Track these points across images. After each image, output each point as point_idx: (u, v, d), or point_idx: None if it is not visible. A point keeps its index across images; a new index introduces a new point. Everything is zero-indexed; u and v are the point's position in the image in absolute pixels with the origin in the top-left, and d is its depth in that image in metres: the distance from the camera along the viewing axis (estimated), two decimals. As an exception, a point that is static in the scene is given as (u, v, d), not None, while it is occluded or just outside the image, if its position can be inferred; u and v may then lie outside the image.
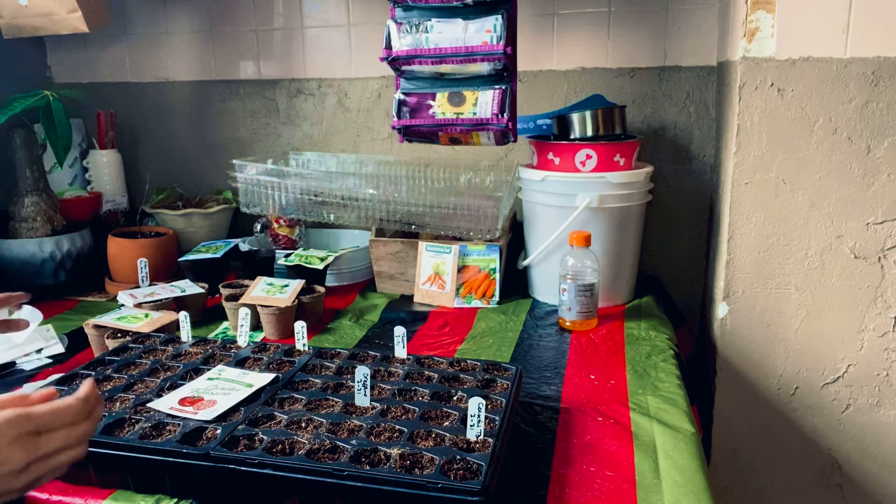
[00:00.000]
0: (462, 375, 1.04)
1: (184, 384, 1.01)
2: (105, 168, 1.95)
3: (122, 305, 1.40)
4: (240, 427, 0.88)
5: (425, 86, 1.44)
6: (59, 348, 1.30)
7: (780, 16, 1.29)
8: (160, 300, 1.40)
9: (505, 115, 1.38)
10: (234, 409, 0.93)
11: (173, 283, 1.51)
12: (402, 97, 1.44)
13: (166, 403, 0.94)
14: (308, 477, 0.79)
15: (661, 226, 1.74)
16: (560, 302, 1.40)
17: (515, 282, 1.63)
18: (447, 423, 0.90)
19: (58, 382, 1.03)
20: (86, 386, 0.70)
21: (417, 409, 0.92)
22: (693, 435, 1.00)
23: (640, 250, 1.58)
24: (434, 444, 0.84)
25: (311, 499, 0.80)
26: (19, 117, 1.58)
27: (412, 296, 1.60)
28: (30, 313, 1.28)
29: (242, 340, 1.17)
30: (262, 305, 1.35)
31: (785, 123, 1.34)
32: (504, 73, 1.39)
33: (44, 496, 0.85)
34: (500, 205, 1.53)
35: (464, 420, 0.88)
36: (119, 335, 1.25)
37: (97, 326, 1.27)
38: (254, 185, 1.70)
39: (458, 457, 0.80)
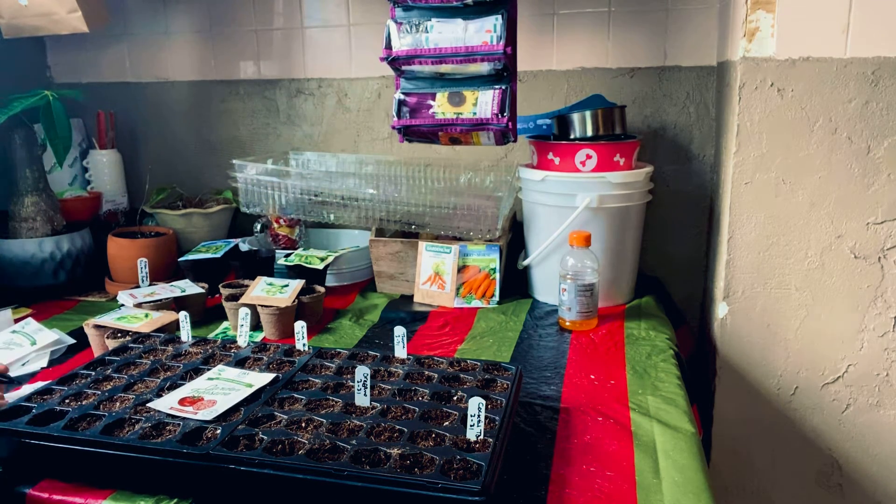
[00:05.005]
0: (462, 375, 1.04)
1: (184, 384, 1.01)
2: (105, 168, 1.95)
3: (122, 305, 1.40)
4: (240, 427, 0.88)
5: (425, 86, 1.44)
6: (48, 340, 1.30)
7: (780, 16, 1.29)
8: (160, 300, 1.40)
9: (505, 115, 1.38)
10: (234, 409, 0.93)
11: (173, 283, 1.51)
12: (402, 97, 1.44)
13: (166, 403, 0.94)
14: (308, 477, 0.79)
15: (661, 226, 1.74)
16: (560, 302, 1.40)
17: (515, 282, 1.63)
18: (447, 423, 0.90)
19: (58, 382, 1.03)
20: None
21: (417, 409, 0.92)
22: (693, 435, 1.00)
23: (640, 250, 1.58)
24: (434, 444, 0.84)
25: (311, 499, 0.80)
26: (19, 117, 1.58)
27: (412, 296, 1.60)
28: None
29: (242, 340, 1.17)
30: (262, 305, 1.35)
31: (785, 123, 1.34)
32: (504, 73, 1.39)
33: (44, 496, 0.85)
34: (500, 205, 1.53)
35: (464, 420, 0.88)
36: (119, 335, 1.25)
37: (97, 326, 1.27)
38: (254, 185, 1.70)
39: (458, 457, 0.80)
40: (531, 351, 1.30)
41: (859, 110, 1.30)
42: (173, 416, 0.91)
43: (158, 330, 1.26)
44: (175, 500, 0.83)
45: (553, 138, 1.55)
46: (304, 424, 0.90)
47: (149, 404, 0.94)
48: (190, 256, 1.60)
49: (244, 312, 1.19)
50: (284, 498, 0.81)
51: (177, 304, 1.44)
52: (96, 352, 1.28)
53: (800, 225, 1.37)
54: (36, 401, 0.97)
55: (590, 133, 1.50)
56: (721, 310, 1.45)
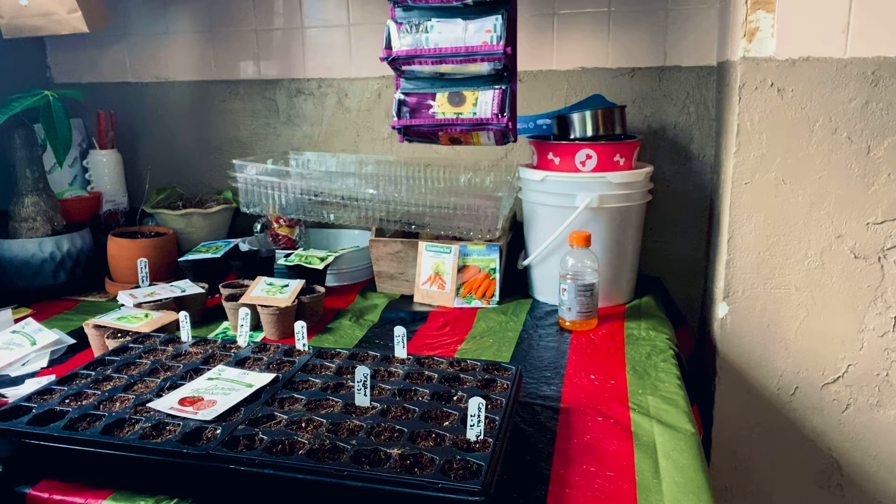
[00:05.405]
0: (462, 375, 1.04)
1: (184, 384, 1.01)
2: (105, 168, 1.95)
3: (122, 305, 1.40)
4: (240, 427, 0.88)
5: (425, 86, 1.44)
6: (48, 340, 1.30)
7: (779, 16, 1.29)
8: (160, 300, 1.40)
9: (505, 115, 1.38)
10: (234, 409, 0.93)
11: (173, 283, 1.51)
12: (402, 97, 1.44)
13: (166, 403, 0.94)
14: (308, 477, 0.79)
15: (661, 226, 1.74)
16: (560, 302, 1.40)
17: (515, 282, 1.63)
18: (447, 423, 0.90)
19: (58, 382, 1.03)
20: None
21: (417, 409, 0.92)
22: (693, 435, 1.00)
23: (640, 250, 1.58)
24: (434, 444, 0.84)
25: (311, 499, 0.80)
26: (19, 117, 1.59)
27: (412, 296, 1.60)
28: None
29: (242, 340, 1.17)
30: (262, 305, 1.35)
31: (785, 123, 1.34)
32: (504, 73, 1.39)
33: (44, 496, 0.85)
34: (500, 205, 1.53)
35: (464, 420, 0.88)
36: (119, 335, 1.25)
37: (97, 326, 1.27)
38: (254, 185, 1.70)
39: (458, 457, 0.80)
40: (531, 351, 1.30)
41: (859, 110, 1.30)
42: (173, 416, 0.91)
43: (158, 330, 1.26)
44: (175, 500, 0.83)
45: (553, 138, 1.55)
46: (304, 424, 0.90)
47: (149, 404, 0.94)
48: (190, 256, 1.60)
49: (244, 312, 1.19)
50: (284, 498, 0.81)
51: (177, 304, 1.44)
52: (96, 352, 1.28)
53: (800, 225, 1.37)
54: (36, 401, 0.97)
55: (590, 133, 1.50)
56: (721, 310, 1.45)
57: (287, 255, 1.56)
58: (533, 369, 1.22)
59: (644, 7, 1.66)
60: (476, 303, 1.54)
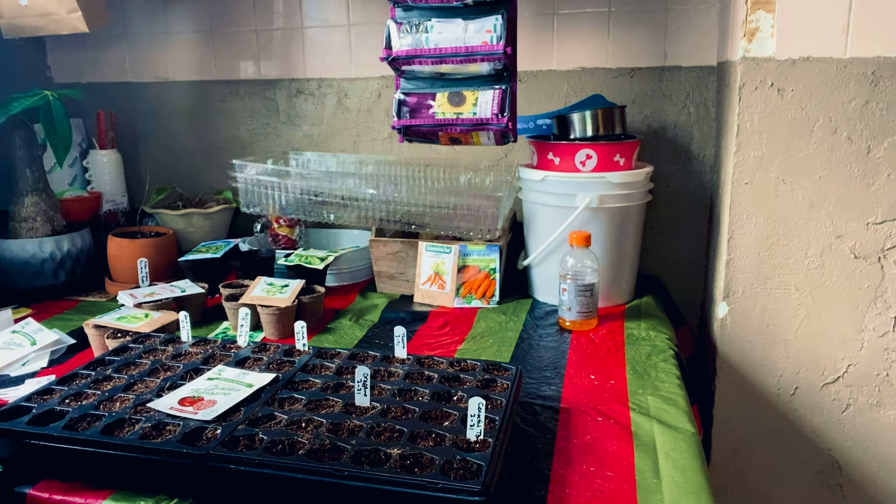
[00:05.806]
0: (462, 375, 1.04)
1: (184, 384, 1.01)
2: (105, 168, 1.95)
3: (122, 305, 1.40)
4: (240, 427, 0.88)
5: (425, 86, 1.44)
6: (48, 340, 1.30)
7: (779, 16, 1.30)
8: (160, 300, 1.40)
9: (505, 115, 1.38)
10: (234, 409, 0.93)
11: (173, 283, 1.51)
12: (402, 97, 1.44)
13: (166, 403, 0.94)
14: (308, 477, 0.79)
15: (661, 226, 1.74)
16: (560, 302, 1.40)
17: (515, 282, 1.63)
18: (447, 423, 0.90)
19: (58, 382, 1.03)
20: None
21: (417, 409, 0.92)
22: (693, 435, 1.00)
23: (640, 250, 1.58)
24: (434, 444, 0.84)
25: (311, 499, 0.80)
26: (19, 117, 1.59)
27: (412, 296, 1.60)
28: None
29: (242, 340, 1.17)
30: (262, 305, 1.35)
31: (785, 123, 1.34)
32: (504, 73, 1.39)
33: (44, 496, 0.85)
34: (500, 205, 1.53)
35: (464, 420, 0.88)
36: (119, 335, 1.25)
37: (97, 326, 1.27)
38: (254, 185, 1.70)
39: (458, 457, 0.80)
40: (531, 351, 1.30)
41: (859, 110, 1.30)
42: (173, 416, 0.91)
43: (158, 330, 1.26)
44: (175, 500, 0.83)
45: (553, 138, 1.55)
46: (304, 424, 0.90)
47: (149, 404, 0.94)
48: (190, 256, 1.60)
49: (244, 312, 1.19)
50: (284, 498, 0.81)
51: (177, 304, 1.44)
52: (96, 352, 1.28)
53: (800, 225, 1.37)
54: (36, 401, 0.97)
55: (590, 133, 1.50)
56: (721, 310, 1.45)
57: (287, 255, 1.56)
58: (533, 369, 1.22)
59: (644, 7, 1.66)
60: (476, 303, 1.54)
